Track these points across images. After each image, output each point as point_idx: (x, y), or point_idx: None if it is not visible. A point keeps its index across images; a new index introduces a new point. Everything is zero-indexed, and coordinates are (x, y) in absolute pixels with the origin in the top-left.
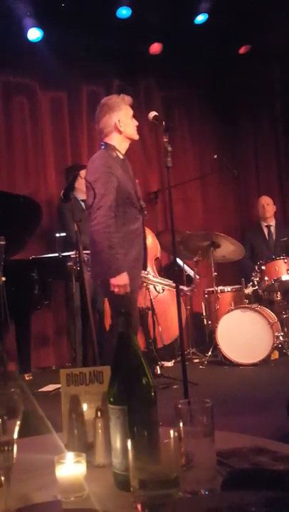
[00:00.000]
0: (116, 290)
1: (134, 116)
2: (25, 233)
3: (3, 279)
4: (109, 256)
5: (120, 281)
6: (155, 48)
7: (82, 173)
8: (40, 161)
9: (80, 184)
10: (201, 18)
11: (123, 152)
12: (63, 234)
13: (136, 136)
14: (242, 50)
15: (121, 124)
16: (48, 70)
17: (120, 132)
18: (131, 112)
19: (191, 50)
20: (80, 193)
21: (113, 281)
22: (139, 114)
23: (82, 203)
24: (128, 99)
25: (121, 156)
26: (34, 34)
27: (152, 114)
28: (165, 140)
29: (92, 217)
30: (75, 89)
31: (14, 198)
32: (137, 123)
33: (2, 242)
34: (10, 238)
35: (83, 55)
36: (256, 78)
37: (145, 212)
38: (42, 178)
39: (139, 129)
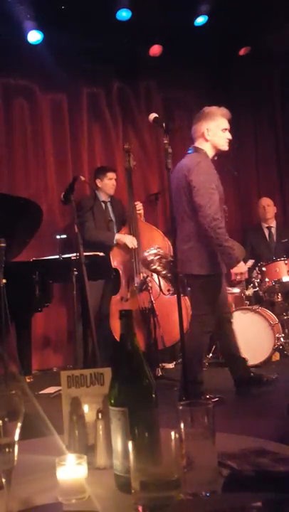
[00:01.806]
0: (238, 278)
1: (135, 117)
2: (25, 235)
3: (4, 281)
4: (230, 249)
5: (242, 268)
6: (155, 49)
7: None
8: (41, 162)
9: (105, 186)
10: (200, 20)
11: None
12: (64, 236)
13: (223, 147)
14: (242, 52)
15: (209, 133)
16: (48, 72)
17: (206, 140)
18: (224, 125)
19: (190, 52)
20: (103, 194)
21: (235, 269)
22: (139, 115)
23: (103, 204)
24: (225, 112)
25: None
26: (34, 36)
27: (153, 115)
28: (165, 142)
29: (205, 214)
30: (75, 91)
31: (15, 200)
32: (229, 136)
33: (3, 245)
34: (10, 240)
35: (83, 57)
36: (256, 80)
37: (226, 214)
38: (42, 180)
39: (139, 131)
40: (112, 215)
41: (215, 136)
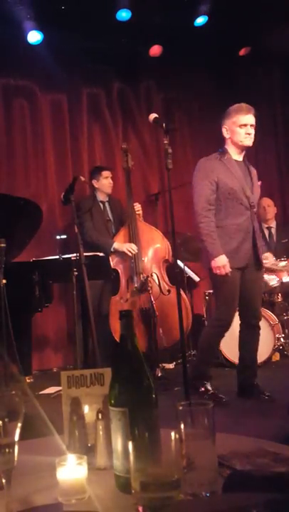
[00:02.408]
0: (217, 272)
1: (135, 118)
2: (25, 235)
3: (4, 281)
4: (207, 243)
5: (218, 262)
6: (155, 50)
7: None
8: (41, 163)
9: (102, 185)
10: (200, 20)
11: (236, 156)
12: (64, 236)
13: (242, 143)
14: (242, 52)
15: (228, 131)
16: (48, 72)
17: (226, 139)
18: (241, 121)
19: (191, 52)
20: (101, 194)
21: (212, 263)
22: (139, 116)
23: (101, 204)
24: (240, 108)
25: (235, 158)
26: (34, 37)
27: (153, 116)
28: (165, 142)
29: (194, 211)
30: (75, 92)
31: (15, 201)
32: (248, 131)
33: (3, 245)
34: (10, 241)
35: (83, 57)
36: (256, 80)
37: (254, 210)
38: (42, 180)
39: (139, 131)
40: (110, 215)
41: (234, 134)
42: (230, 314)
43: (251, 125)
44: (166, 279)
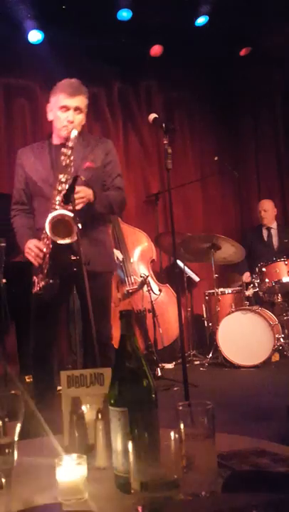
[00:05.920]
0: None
1: (135, 117)
2: None
3: (4, 280)
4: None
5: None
6: (156, 50)
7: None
8: None
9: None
10: (201, 21)
11: (57, 140)
12: None
13: (60, 133)
14: (242, 52)
15: (50, 111)
16: (48, 72)
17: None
18: (62, 102)
19: (191, 52)
20: None
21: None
22: (139, 115)
23: None
24: (66, 85)
25: (55, 142)
26: (35, 36)
27: (152, 116)
28: (165, 142)
29: None
30: None
31: None
32: (70, 118)
33: (3, 244)
34: (10, 240)
35: (84, 57)
36: (257, 80)
37: (69, 206)
38: None
39: (139, 131)
40: None
41: (54, 117)
42: None
43: (76, 108)
44: (155, 278)
